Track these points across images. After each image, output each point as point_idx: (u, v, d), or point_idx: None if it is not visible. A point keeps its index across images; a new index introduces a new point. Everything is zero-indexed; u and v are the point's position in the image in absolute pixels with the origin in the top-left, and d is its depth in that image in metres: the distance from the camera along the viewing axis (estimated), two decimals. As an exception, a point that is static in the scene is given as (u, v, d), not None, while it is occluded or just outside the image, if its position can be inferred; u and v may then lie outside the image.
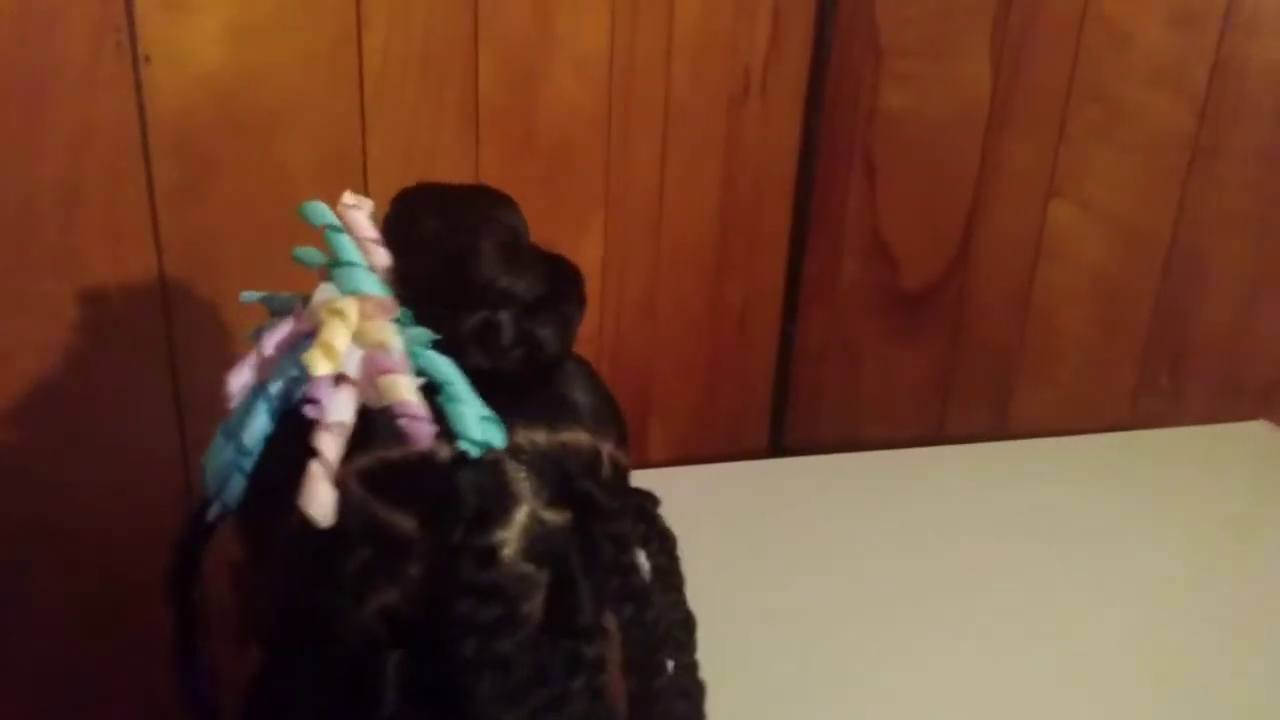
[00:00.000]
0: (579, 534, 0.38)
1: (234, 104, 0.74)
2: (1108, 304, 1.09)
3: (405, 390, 0.35)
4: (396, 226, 0.40)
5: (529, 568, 0.37)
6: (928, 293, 1.10)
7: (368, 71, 0.78)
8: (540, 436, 0.38)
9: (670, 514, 0.91)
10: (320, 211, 0.39)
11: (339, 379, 0.35)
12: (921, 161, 1.05)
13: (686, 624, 0.46)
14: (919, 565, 0.82)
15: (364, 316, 0.36)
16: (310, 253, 0.40)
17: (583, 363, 0.44)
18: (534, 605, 0.37)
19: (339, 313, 0.36)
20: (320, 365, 0.35)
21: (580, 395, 0.41)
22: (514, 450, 0.37)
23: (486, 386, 0.37)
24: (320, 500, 0.34)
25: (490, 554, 0.36)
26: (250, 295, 0.42)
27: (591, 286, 1.05)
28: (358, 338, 0.36)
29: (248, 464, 0.37)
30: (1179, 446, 1.03)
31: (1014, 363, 1.11)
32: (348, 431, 0.35)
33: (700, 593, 0.78)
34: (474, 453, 0.35)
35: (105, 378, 0.75)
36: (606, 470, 0.40)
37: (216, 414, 0.39)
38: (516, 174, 0.89)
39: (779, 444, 1.13)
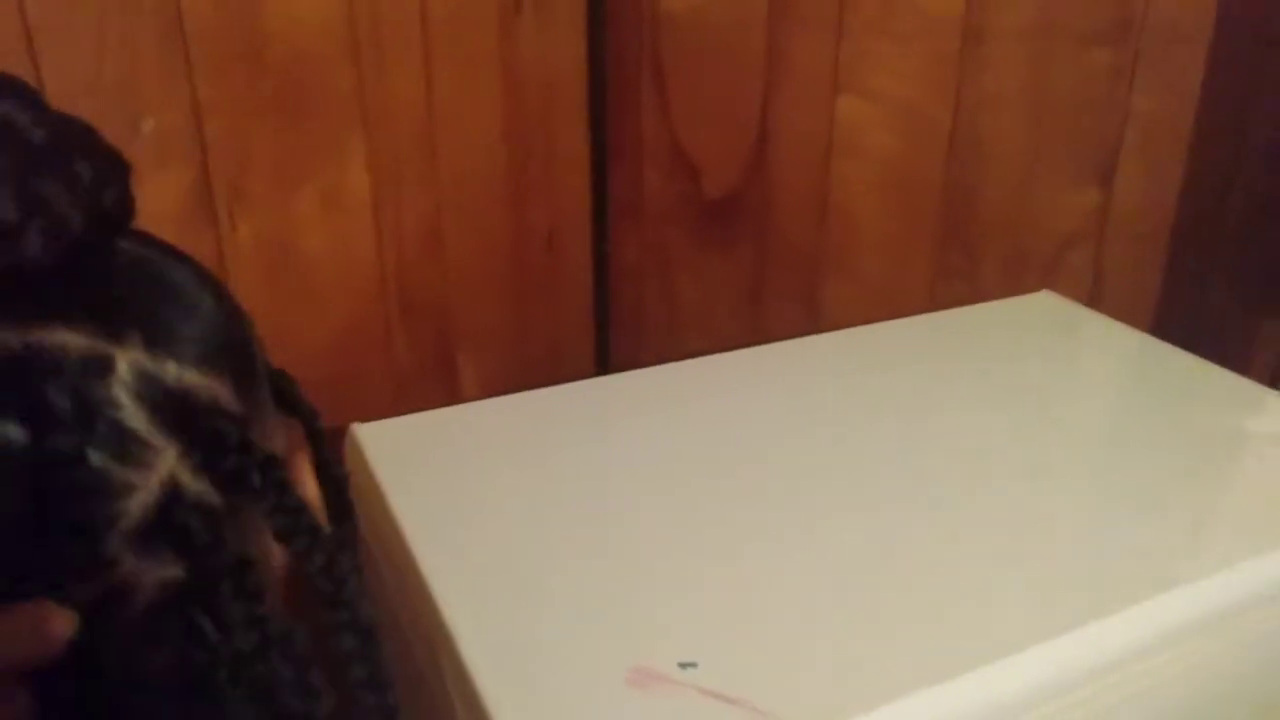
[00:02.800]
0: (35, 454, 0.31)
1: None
2: (900, 193, 1.12)
3: None
4: None
5: None
6: (731, 200, 1.11)
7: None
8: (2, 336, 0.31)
9: (497, 445, 0.90)
10: None
11: None
12: (710, 66, 1.05)
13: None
14: (750, 464, 0.84)
15: None
16: None
17: (144, 251, 0.37)
18: None
19: None
20: None
21: (101, 288, 0.34)
22: None
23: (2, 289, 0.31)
24: None
25: None
26: None
27: (364, 217, 1.02)
28: None
29: None
30: (973, 324, 1.08)
31: (819, 260, 1.14)
32: None
33: (520, 520, 0.78)
34: None
35: None
36: (125, 382, 0.33)
37: None
38: (246, 98, 0.83)
39: (603, 364, 1.13)
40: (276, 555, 0.38)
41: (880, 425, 0.89)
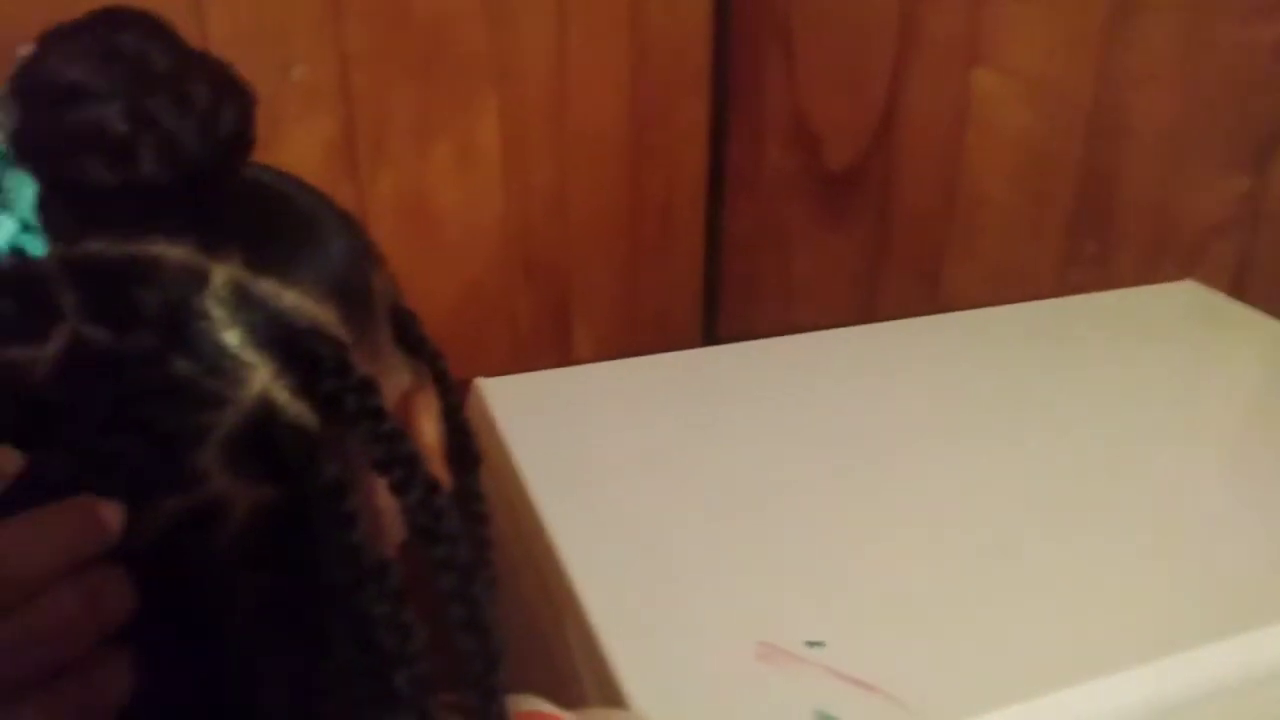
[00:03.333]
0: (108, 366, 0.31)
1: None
2: (1033, 172, 1.07)
3: None
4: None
5: (68, 390, 0.32)
6: (853, 172, 1.07)
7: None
8: (99, 246, 0.32)
9: (599, 411, 0.90)
10: None
11: None
12: (839, 34, 1.02)
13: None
14: (857, 444, 0.82)
15: None
16: None
17: (264, 174, 0.37)
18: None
19: None
20: None
21: (205, 203, 0.34)
22: (63, 262, 0.32)
23: (115, 204, 0.32)
24: None
25: (9, 368, 0.31)
26: None
27: (493, 175, 1.02)
28: None
29: None
30: (1108, 311, 1.03)
31: (942, 237, 1.10)
32: None
33: (629, 486, 0.77)
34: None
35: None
36: (220, 296, 0.32)
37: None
38: (390, 52, 0.84)
39: (712, 335, 1.11)
40: (383, 496, 0.37)
41: (1005, 412, 0.86)
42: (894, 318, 1.09)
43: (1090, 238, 1.10)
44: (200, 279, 0.32)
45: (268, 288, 0.34)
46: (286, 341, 0.33)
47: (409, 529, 0.37)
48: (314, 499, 0.33)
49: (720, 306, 1.11)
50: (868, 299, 1.12)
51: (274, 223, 0.36)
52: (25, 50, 0.33)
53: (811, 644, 0.58)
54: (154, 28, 0.34)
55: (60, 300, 0.32)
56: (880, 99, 1.05)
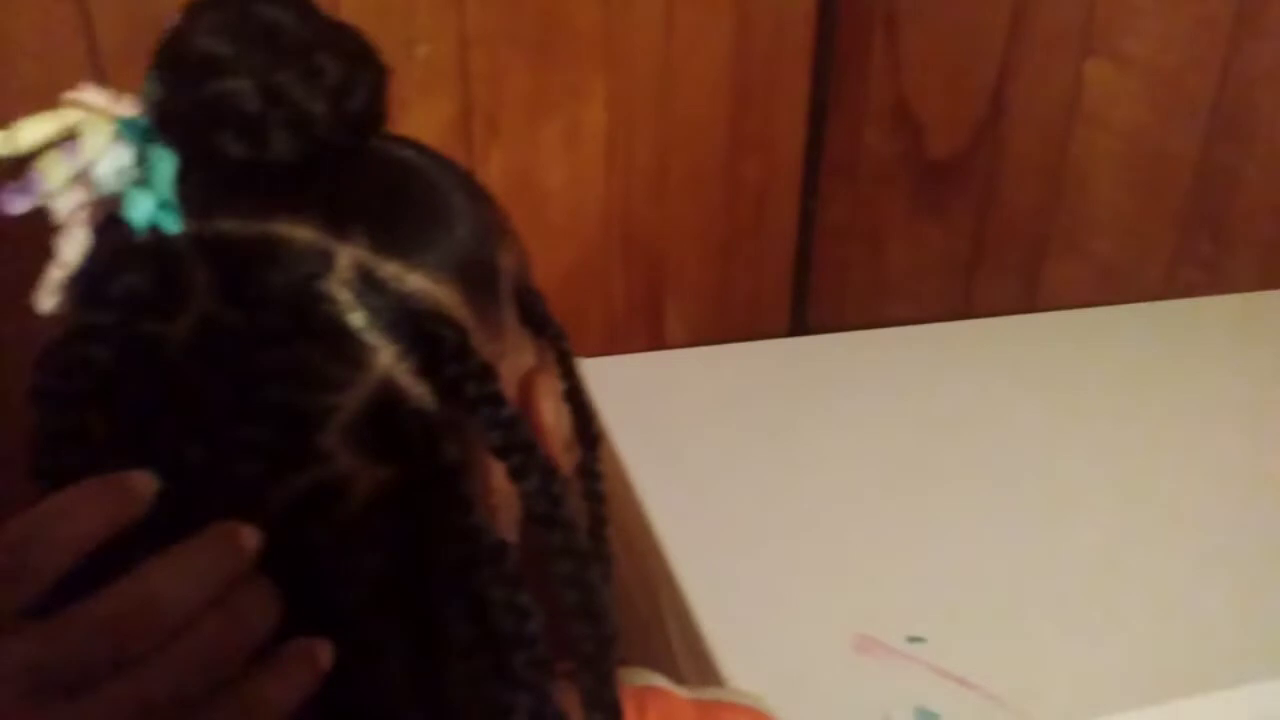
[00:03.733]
0: (240, 345, 0.32)
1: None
2: (1146, 168, 1.03)
3: (46, 161, 0.32)
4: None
5: (197, 368, 0.32)
6: (955, 162, 1.05)
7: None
8: (230, 225, 0.32)
9: (691, 396, 0.89)
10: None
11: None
12: (948, 20, 0.99)
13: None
14: (945, 443, 0.80)
15: (90, 108, 0.33)
16: None
17: (395, 149, 0.37)
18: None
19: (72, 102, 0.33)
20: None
21: (350, 187, 0.34)
22: (196, 240, 0.32)
23: (245, 181, 0.32)
24: (45, 292, 0.32)
25: (141, 343, 0.32)
26: None
27: (598, 156, 1.02)
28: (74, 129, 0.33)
29: None
30: (1221, 316, 0.99)
31: (1045, 233, 1.06)
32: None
33: (723, 473, 0.76)
34: (135, 235, 0.32)
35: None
36: (346, 278, 0.32)
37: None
38: (505, 33, 0.84)
39: (801, 324, 1.09)
40: (501, 479, 0.37)
41: (1105, 416, 0.83)
42: (990, 315, 1.06)
43: (1204, 239, 1.05)
44: (326, 261, 0.32)
45: (392, 270, 0.33)
46: (409, 325, 0.33)
47: (526, 514, 0.36)
48: (433, 481, 0.33)
49: (810, 295, 1.09)
50: (963, 294, 1.09)
51: (401, 201, 0.35)
52: (174, 21, 0.34)
53: (912, 639, 0.57)
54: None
55: (193, 278, 0.32)
56: (987, 88, 1.02)
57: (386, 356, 0.33)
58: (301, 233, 0.32)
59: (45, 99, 0.33)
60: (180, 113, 0.32)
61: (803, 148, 1.03)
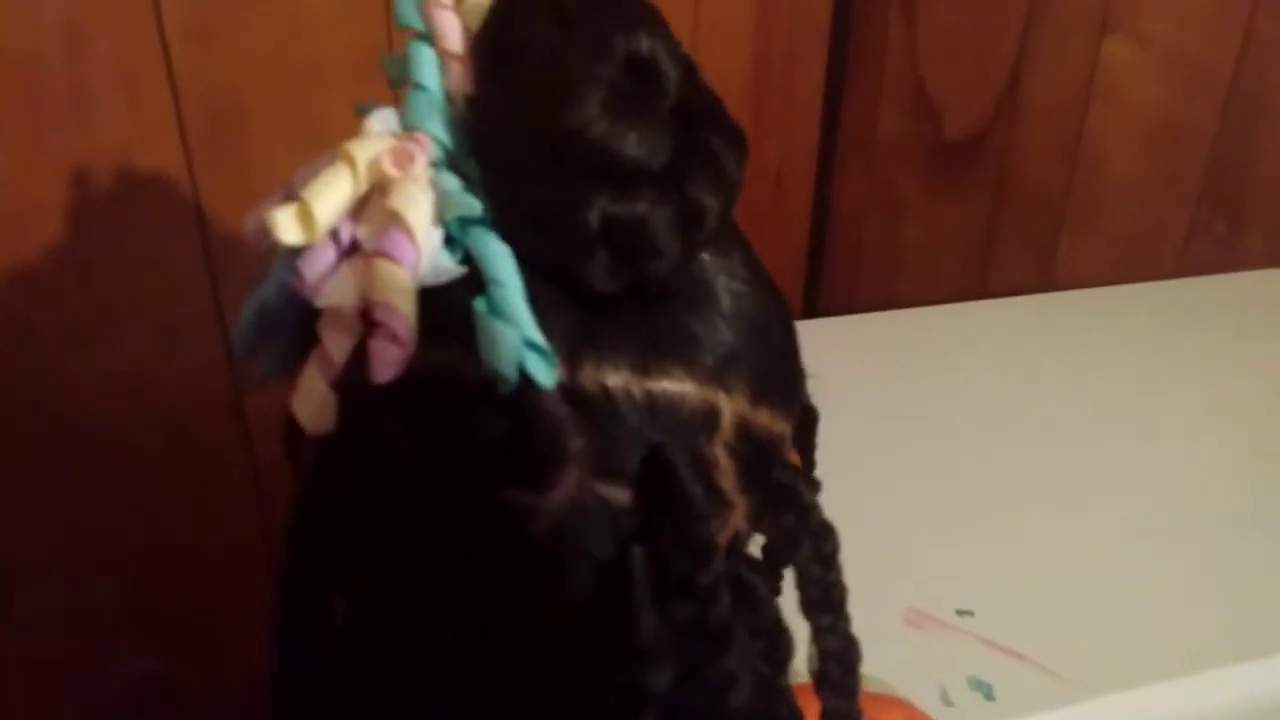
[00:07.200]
0: (642, 524, 0.27)
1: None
2: (1163, 147, 1.04)
3: (396, 291, 0.26)
4: (482, 37, 0.28)
5: (563, 547, 0.28)
6: (971, 142, 1.05)
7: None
8: (617, 380, 0.27)
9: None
10: (406, 9, 0.29)
11: (348, 250, 0.27)
12: (965, 0, 0.99)
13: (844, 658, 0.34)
14: (963, 423, 0.80)
15: (393, 166, 0.27)
16: (397, 62, 0.29)
17: (734, 273, 0.31)
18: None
19: (349, 159, 0.27)
20: (285, 229, 0.26)
21: (706, 324, 0.29)
22: (572, 394, 0.27)
23: (565, 295, 0.27)
24: (307, 403, 0.27)
25: (512, 514, 0.27)
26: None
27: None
28: (377, 198, 0.27)
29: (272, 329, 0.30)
30: (1236, 293, 1.00)
31: (1061, 212, 1.07)
32: (352, 319, 0.27)
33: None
34: (505, 387, 0.26)
35: (131, 237, 0.71)
36: (727, 438, 0.28)
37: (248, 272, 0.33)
38: None
39: (814, 306, 1.09)
40: None
41: (1123, 395, 0.84)
42: (1006, 295, 1.07)
43: (1219, 217, 1.06)
44: (713, 421, 0.28)
45: (764, 420, 0.30)
46: (764, 477, 0.30)
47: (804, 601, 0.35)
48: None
49: (824, 276, 1.09)
50: (979, 274, 1.09)
51: (754, 333, 0.30)
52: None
53: (961, 612, 0.57)
54: (668, 33, 0.29)
55: (568, 444, 0.27)
56: (1004, 67, 1.01)
57: (739, 513, 0.30)
58: (691, 390, 0.28)
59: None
60: (537, 219, 0.27)
61: (819, 127, 1.02)
